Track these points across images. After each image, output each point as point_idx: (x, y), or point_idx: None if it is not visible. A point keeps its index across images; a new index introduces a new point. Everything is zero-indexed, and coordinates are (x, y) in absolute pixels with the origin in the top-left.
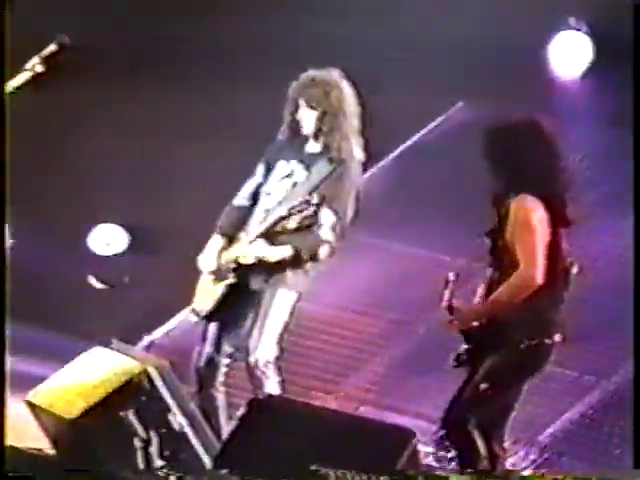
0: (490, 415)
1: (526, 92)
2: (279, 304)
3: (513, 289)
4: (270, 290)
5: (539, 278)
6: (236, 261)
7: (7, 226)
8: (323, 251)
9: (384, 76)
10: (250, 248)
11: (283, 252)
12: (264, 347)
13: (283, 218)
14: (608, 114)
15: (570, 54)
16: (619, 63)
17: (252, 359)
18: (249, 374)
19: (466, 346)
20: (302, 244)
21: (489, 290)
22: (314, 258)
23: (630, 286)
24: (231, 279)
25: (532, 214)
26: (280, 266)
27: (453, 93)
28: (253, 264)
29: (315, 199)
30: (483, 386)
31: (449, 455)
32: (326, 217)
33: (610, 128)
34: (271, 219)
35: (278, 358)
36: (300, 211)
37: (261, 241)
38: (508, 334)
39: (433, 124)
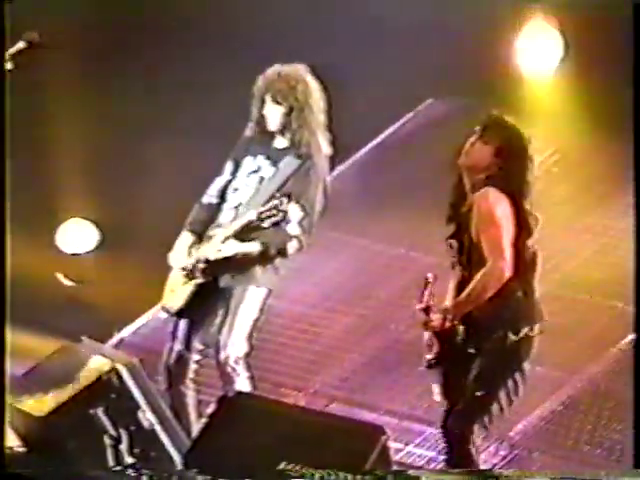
0: (488, 417)
1: (495, 89)
2: (249, 301)
3: (482, 284)
4: (240, 287)
5: (507, 271)
6: (206, 260)
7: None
8: (291, 246)
9: (355, 72)
10: (220, 247)
11: (251, 248)
12: (234, 344)
13: (252, 222)
14: (577, 110)
15: (540, 51)
16: (589, 59)
17: (222, 356)
18: (219, 371)
19: (438, 349)
20: (270, 240)
21: (460, 289)
22: (283, 253)
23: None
24: (201, 278)
25: (496, 208)
26: (249, 262)
27: (423, 89)
28: (223, 262)
29: (285, 205)
30: (479, 394)
31: (430, 454)
32: (294, 212)
33: (580, 124)
34: (241, 221)
35: (248, 355)
36: (269, 217)
37: (231, 240)
38: (489, 330)
39: (403, 120)
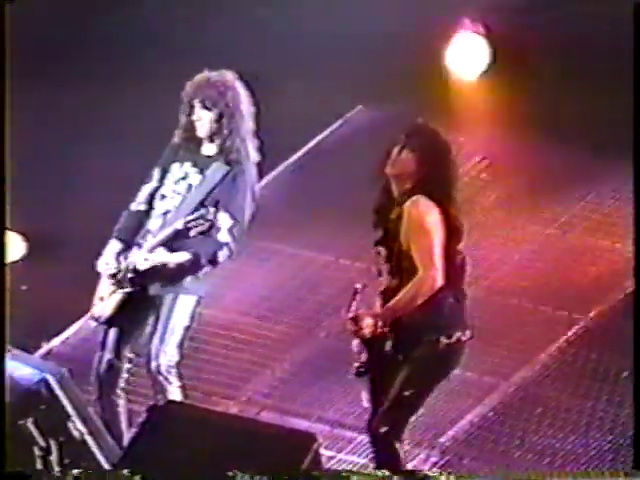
0: (410, 419)
1: (425, 95)
2: (179, 309)
3: (414, 293)
4: (170, 295)
5: (439, 279)
6: (134, 269)
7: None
8: (222, 255)
9: (285, 78)
10: (148, 255)
11: (181, 257)
12: (165, 353)
13: (179, 231)
14: (506, 115)
15: (468, 56)
16: (517, 65)
17: (153, 365)
18: (151, 380)
19: (367, 356)
20: (200, 249)
21: (388, 298)
22: (213, 262)
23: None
24: (129, 287)
25: (426, 216)
26: (179, 271)
27: (353, 96)
28: (152, 271)
29: (211, 214)
30: (407, 393)
31: (362, 461)
32: (223, 220)
33: (510, 129)
34: (169, 231)
35: (179, 363)
36: (196, 226)
37: (160, 249)
38: (420, 336)
39: (332, 128)
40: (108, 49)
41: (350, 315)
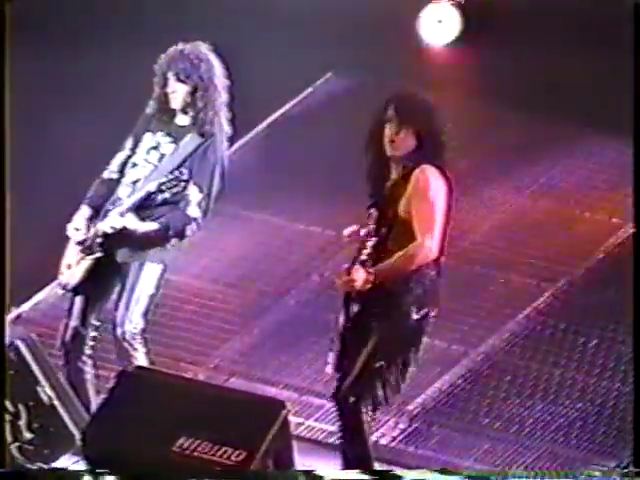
0: (381, 389)
1: (395, 61)
2: (145, 277)
3: (409, 259)
4: (136, 263)
5: (435, 250)
6: (104, 234)
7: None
8: (190, 229)
9: (253, 46)
10: (118, 220)
11: (150, 227)
12: (130, 320)
13: (152, 194)
14: (476, 82)
15: (439, 23)
16: (487, 32)
17: (119, 332)
18: (116, 347)
19: (357, 309)
20: (169, 221)
21: (374, 260)
22: (180, 236)
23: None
24: (98, 253)
25: (434, 185)
26: (146, 241)
27: (323, 63)
28: (120, 237)
29: (185, 175)
30: (378, 364)
31: (330, 429)
32: (193, 194)
33: (479, 97)
34: (140, 194)
35: (144, 330)
36: (169, 188)
37: (130, 214)
38: (397, 305)
39: (302, 95)
40: (93, 17)
41: (346, 265)
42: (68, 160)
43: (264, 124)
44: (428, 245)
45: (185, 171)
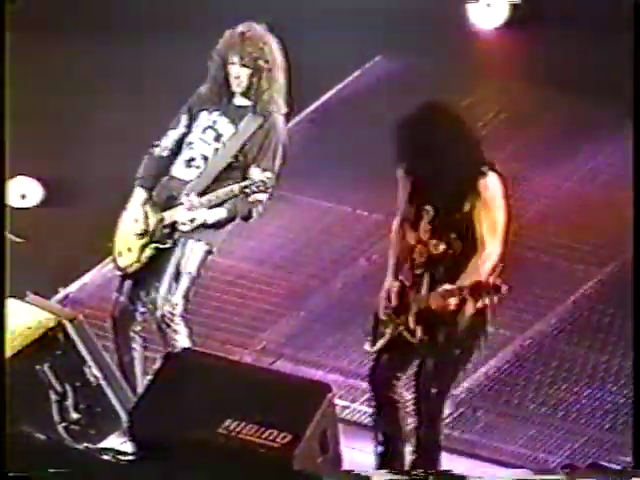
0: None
1: (444, 45)
2: (188, 255)
3: (481, 268)
4: (180, 244)
5: (496, 259)
6: (174, 227)
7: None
8: (256, 211)
9: (302, 29)
10: (190, 215)
11: (219, 215)
12: (170, 301)
13: (235, 195)
14: (524, 66)
15: (488, 7)
16: (535, 15)
17: (159, 313)
18: (157, 328)
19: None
20: (237, 206)
21: (422, 256)
22: (246, 219)
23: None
24: (167, 244)
25: (502, 194)
26: (213, 226)
27: (371, 46)
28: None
29: (272, 181)
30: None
31: (369, 410)
32: (257, 176)
33: (526, 81)
34: (222, 192)
35: (186, 311)
36: (254, 192)
37: (202, 208)
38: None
39: (350, 77)
40: (124, 2)
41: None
42: (112, 143)
43: (312, 107)
44: (498, 252)
45: (248, 153)
